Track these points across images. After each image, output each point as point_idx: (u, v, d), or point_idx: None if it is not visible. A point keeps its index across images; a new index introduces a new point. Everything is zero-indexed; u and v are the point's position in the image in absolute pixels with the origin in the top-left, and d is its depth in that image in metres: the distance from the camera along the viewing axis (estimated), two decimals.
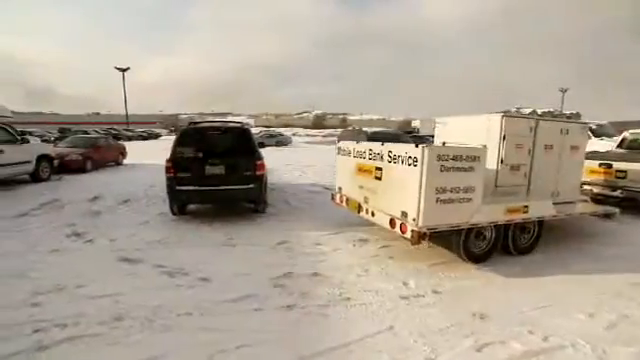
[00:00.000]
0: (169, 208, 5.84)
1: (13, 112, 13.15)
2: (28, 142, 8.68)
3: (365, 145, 4.49)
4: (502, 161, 4.34)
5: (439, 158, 3.43)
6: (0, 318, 2.71)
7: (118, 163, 13.36)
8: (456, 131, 5.11)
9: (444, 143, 4.77)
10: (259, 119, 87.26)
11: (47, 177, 9.11)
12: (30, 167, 8.55)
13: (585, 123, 5.79)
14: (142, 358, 2.30)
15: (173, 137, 7.33)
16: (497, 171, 4.38)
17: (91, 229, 5.15)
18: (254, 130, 21.00)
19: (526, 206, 4.07)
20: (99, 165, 11.83)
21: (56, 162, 9.70)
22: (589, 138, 6.99)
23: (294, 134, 43.64)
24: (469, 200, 3.64)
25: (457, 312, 3.00)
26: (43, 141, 12.37)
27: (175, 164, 5.40)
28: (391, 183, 3.90)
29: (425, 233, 3.42)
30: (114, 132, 30.94)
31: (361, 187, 4.48)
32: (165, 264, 3.86)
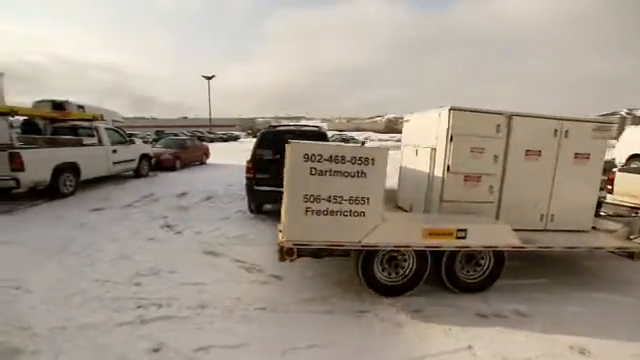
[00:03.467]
0: (247, 207, 6.36)
1: (123, 117, 15.82)
2: (134, 143, 10.32)
3: None
4: (449, 168, 3.59)
5: (307, 158, 2.84)
6: (113, 292, 3.27)
7: (202, 163, 15.06)
8: (415, 130, 4.43)
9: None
10: (332, 123, 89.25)
11: (146, 174, 10.72)
12: (134, 165, 10.17)
13: (605, 122, 3.94)
14: (226, 344, 2.53)
15: (250, 139, 7.96)
16: (443, 181, 3.62)
17: (180, 222, 5.87)
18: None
19: (462, 229, 3.14)
20: (186, 164, 13.49)
21: (153, 161, 11.34)
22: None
23: (366, 138, 43.74)
24: (360, 214, 2.97)
25: (548, 340, 2.68)
26: (143, 142, 14.60)
27: (255, 165, 5.85)
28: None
29: (292, 249, 2.94)
30: (199, 134, 34.82)
31: None
32: (243, 259, 4.20)
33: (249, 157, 5.98)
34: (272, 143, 5.98)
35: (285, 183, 2.94)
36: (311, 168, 2.85)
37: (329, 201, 2.92)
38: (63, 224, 5.51)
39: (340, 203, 2.93)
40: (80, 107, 12.76)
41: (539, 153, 3.75)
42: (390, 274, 3.33)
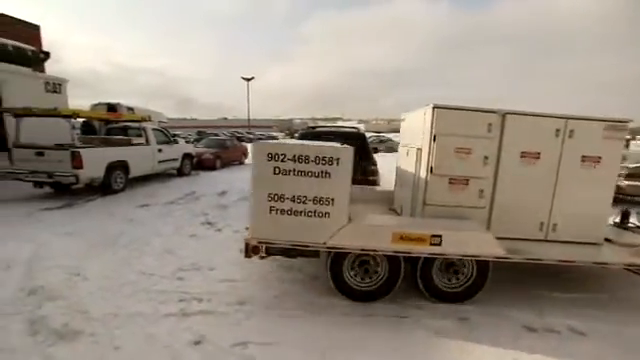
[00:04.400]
0: None
1: (167, 118, 16.81)
2: (177, 143, 10.93)
3: None
4: (432, 170, 3.40)
5: (270, 157, 2.88)
6: (159, 285, 3.50)
7: (241, 162, 15.61)
8: (408, 130, 4.21)
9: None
10: (369, 124, 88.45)
11: (188, 172, 11.32)
12: (178, 164, 10.78)
13: (619, 121, 3.42)
14: (263, 341, 2.62)
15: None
16: (426, 183, 3.44)
17: (220, 220, 6.14)
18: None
19: (437, 236, 2.97)
20: (226, 164, 14.06)
21: (195, 160, 11.94)
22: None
23: None
24: (325, 215, 2.94)
25: None
26: (186, 142, 15.42)
27: None
28: None
29: (257, 246, 3.00)
30: (238, 135, 36.08)
31: None
32: (281, 259, 4.27)
33: None
34: None
35: (251, 181, 3.01)
36: (275, 167, 2.91)
37: (293, 201, 2.95)
38: (114, 218, 5.98)
39: (304, 203, 2.95)
40: (130, 109, 13.78)
41: (537, 155, 3.44)
42: (363, 279, 3.28)
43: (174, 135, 11.88)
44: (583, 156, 3.46)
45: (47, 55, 10.98)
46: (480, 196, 3.47)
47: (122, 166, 8.15)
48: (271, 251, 3.10)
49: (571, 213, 3.54)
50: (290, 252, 3.12)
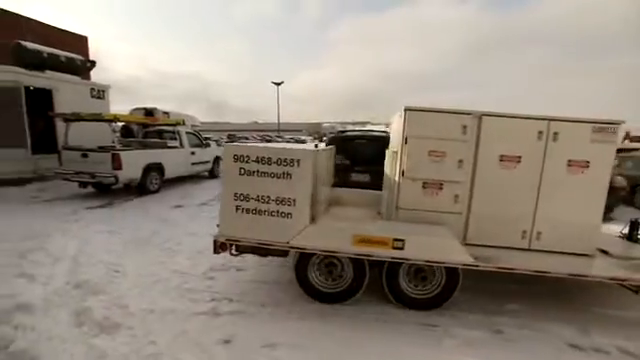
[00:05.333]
0: None
1: (200, 122, 17.49)
2: (209, 146, 11.34)
3: None
4: (403, 173, 3.35)
5: (237, 159, 3.04)
6: (191, 284, 3.67)
7: None
8: (393, 132, 4.19)
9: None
10: None
11: (219, 174, 11.69)
12: (210, 166, 11.20)
13: (608, 122, 3.16)
14: (293, 342, 2.68)
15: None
16: (398, 187, 3.40)
17: None
18: None
19: (400, 240, 2.92)
20: None
21: None
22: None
23: None
24: (287, 215, 3.03)
25: None
26: (217, 145, 15.95)
27: None
28: None
29: (225, 244, 3.15)
30: (268, 138, 36.79)
31: None
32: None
33: None
34: (342, 148, 6.04)
35: (221, 181, 3.04)
36: (240, 168, 3.06)
37: (257, 200, 3.07)
38: (149, 218, 6.31)
39: (268, 203, 3.06)
40: (165, 113, 14.50)
41: (518, 159, 3.27)
42: (327, 280, 3.32)
43: (206, 138, 12.33)
44: (569, 160, 3.23)
45: (93, 64, 11.81)
46: (455, 201, 3.37)
47: (158, 168, 8.59)
48: (241, 249, 3.24)
49: (557, 221, 3.33)
50: (259, 250, 3.22)
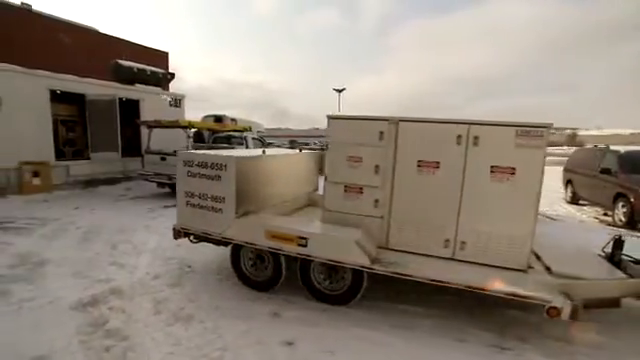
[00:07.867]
0: None
1: (265, 128, 18.41)
2: None
3: None
4: (326, 178, 3.63)
5: (185, 163, 3.68)
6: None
7: None
8: None
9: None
10: None
11: None
12: None
13: (534, 126, 2.83)
14: (349, 350, 2.71)
15: None
16: (324, 190, 3.71)
17: None
18: None
19: (303, 237, 3.21)
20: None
21: None
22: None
23: None
24: (219, 210, 3.55)
25: None
26: None
27: None
28: None
29: (180, 231, 3.80)
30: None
31: None
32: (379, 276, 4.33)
33: None
34: None
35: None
36: (188, 171, 3.68)
37: (200, 197, 3.64)
38: None
39: (206, 200, 3.61)
40: (233, 120, 15.54)
41: (437, 165, 3.15)
42: (256, 270, 3.74)
43: (269, 143, 12.94)
44: (493, 167, 2.97)
45: (173, 76, 13.16)
46: (375, 205, 3.43)
47: None
48: (197, 238, 3.80)
49: (482, 232, 3.07)
50: (206, 239, 3.75)
